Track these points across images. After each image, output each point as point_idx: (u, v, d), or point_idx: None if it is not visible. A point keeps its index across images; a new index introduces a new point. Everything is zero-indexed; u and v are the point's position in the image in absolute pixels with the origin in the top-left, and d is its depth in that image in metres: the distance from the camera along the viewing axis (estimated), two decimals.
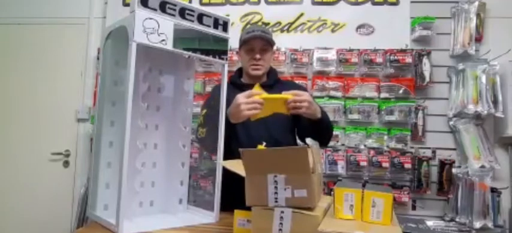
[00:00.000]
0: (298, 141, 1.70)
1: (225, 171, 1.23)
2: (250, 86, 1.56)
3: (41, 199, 2.60)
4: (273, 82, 1.69)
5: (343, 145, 2.33)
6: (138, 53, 1.13)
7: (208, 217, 1.34)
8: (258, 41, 1.61)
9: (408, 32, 2.37)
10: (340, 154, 2.30)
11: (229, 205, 1.23)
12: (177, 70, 1.51)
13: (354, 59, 2.33)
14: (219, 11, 1.37)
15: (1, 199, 2.64)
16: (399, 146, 2.28)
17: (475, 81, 2.19)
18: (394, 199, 2.20)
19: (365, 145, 2.31)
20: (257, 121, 1.39)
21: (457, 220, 2.13)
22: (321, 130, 1.46)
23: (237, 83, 1.69)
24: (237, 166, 1.07)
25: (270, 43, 1.63)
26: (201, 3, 2.55)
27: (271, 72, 1.74)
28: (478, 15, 2.27)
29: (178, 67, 1.51)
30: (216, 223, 1.31)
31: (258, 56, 1.60)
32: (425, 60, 2.29)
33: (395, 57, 2.30)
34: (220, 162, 1.30)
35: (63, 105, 2.66)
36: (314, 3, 2.48)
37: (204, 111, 1.59)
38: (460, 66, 2.25)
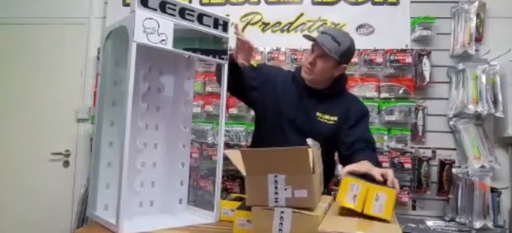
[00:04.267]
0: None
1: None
2: (301, 82, 1.56)
3: (41, 199, 2.60)
4: (333, 93, 1.55)
5: None
6: (138, 53, 1.13)
7: (208, 217, 1.34)
8: (317, 45, 1.46)
9: (408, 32, 2.37)
10: None
11: None
12: (177, 70, 1.51)
13: (354, 59, 2.32)
14: (219, 11, 1.37)
15: (1, 199, 2.64)
16: (399, 146, 2.27)
17: (475, 81, 2.19)
18: None
19: None
20: (297, 134, 1.46)
21: (457, 220, 2.13)
22: None
23: (296, 79, 1.59)
24: (239, 160, 1.07)
25: (327, 54, 1.43)
26: (201, 3, 2.55)
27: (337, 81, 1.56)
28: (478, 15, 2.27)
29: (178, 67, 1.51)
30: (216, 223, 1.31)
31: (311, 58, 1.47)
32: (425, 60, 2.29)
33: (395, 57, 2.30)
34: (226, 151, 1.29)
35: (63, 105, 2.66)
36: (314, 3, 2.47)
37: None
38: (460, 66, 2.25)
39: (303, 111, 1.52)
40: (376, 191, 1.02)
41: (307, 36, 1.50)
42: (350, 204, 1.02)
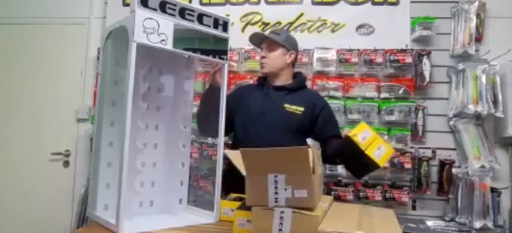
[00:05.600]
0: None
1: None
2: (265, 84, 1.80)
3: (41, 199, 2.60)
4: (297, 86, 1.79)
5: None
6: (138, 53, 1.13)
7: (208, 217, 1.34)
8: (264, 40, 1.78)
9: (408, 32, 2.37)
10: None
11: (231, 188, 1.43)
12: (177, 70, 1.51)
13: (354, 59, 2.33)
14: (219, 11, 1.37)
15: (1, 199, 2.64)
16: (399, 146, 2.27)
17: (475, 81, 2.19)
18: (394, 199, 2.21)
19: None
20: (269, 126, 1.62)
21: (457, 220, 2.13)
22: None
23: (260, 84, 1.84)
24: (238, 160, 1.07)
25: (276, 42, 1.73)
26: (201, 3, 2.55)
27: (297, 77, 1.84)
28: (478, 15, 2.27)
29: (178, 67, 1.51)
30: (216, 223, 1.31)
31: (262, 53, 1.77)
32: (425, 60, 2.29)
33: (395, 57, 2.30)
34: (226, 151, 1.30)
35: (63, 105, 2.66)
36: (314, 3, 2.47)
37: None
38: (460, 66, 2.25)
39: (272, 105, 1.70)
40: (380, 143, 1.27)
41: (254, 36, 1.79)
42: (359, 140, 1.26)
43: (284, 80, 1.77)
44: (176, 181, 1.45)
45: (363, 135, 1.28)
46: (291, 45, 1.78)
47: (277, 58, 1.73)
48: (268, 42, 1.75)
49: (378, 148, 1.26)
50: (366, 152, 1.24)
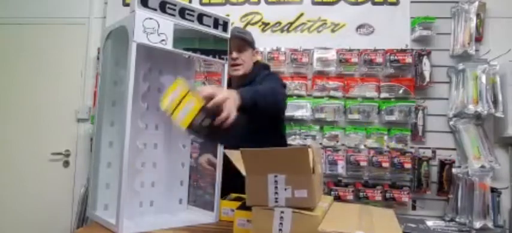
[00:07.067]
0: None
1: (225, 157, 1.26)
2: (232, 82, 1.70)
3: (41, 199, 2.60)
4: (255, 76, 1.66)
5: (343, 145, 2.33)
6: (138, 53, 1.13)
7: (208, 217, 1.34)
8: (233, 41, 1.54)
9: (408, 32, 2.37)
10: (340, 154, 2.30)
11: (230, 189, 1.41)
12: (177, 70, 1.51)
13: (354, 59, 2.33)
14: (219, 11, 1.37)
15: (1, 199, 2.64)
16: (399, 146, 2.28)
17: (475, 81, 2.19)
18: (394, 199, 2.21)
19: (365, 145, 2.31)
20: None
21: (457, 220, 2.13)
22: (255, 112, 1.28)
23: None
24: (238, 160, 1.07)
25: (247, 42, 1.66)
26: (201, 3, 2.55)
27: (255, 67, 1.71)
28: (478, 15, 2.27)
29: (178, 67, 1.51)
30: (216, 223, 1.31)
31: (234, 55, 1.61)
32: (425, 60, 2.29)
33: (395, 57, 2.30)
34: (226, 151, 1.29)
35: (63, 105, 2.66)
36: (314, 3, 2.47)
37: None
38: (460, 66, 2.25)
39: None
40: (190, 98, 0.99)
41: (237, 37, 1.60)
42: (165, 104, 0.99)
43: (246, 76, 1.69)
44: (176, 181, 1.45)
45: (174, 95, 1.00)
46: (253, 44, 1.74)
47: (249, 59, 1.67)
48: (238, 43, 1.63)
49: (186, 107, 0.99)
50: (172, 118, 0.99)
